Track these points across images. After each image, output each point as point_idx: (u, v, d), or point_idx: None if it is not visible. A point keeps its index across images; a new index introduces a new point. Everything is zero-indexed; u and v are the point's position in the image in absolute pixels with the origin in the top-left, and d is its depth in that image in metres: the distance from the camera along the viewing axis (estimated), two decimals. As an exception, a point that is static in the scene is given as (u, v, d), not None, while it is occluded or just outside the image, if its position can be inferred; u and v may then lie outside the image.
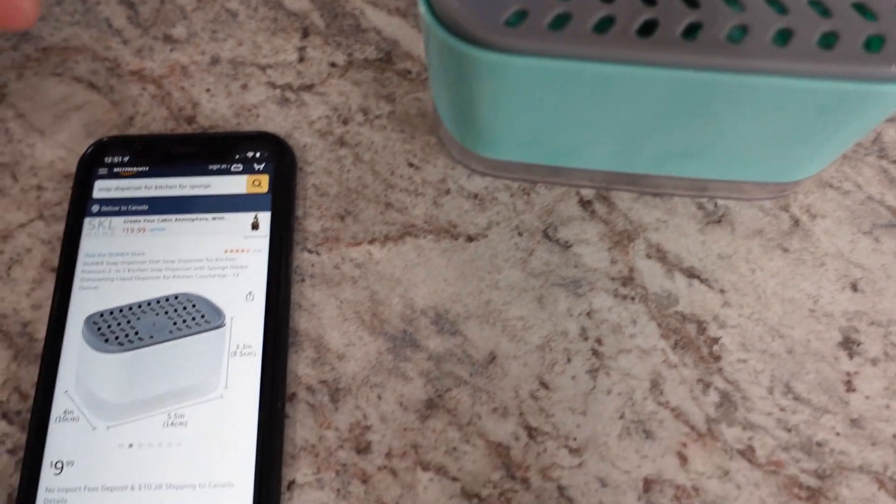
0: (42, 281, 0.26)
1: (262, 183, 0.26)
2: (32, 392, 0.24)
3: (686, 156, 0.24)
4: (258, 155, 0.27)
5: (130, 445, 0.22)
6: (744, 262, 0.27)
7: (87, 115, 0.29)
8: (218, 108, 0.29)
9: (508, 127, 0.23)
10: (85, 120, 0.29)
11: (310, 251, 0.26)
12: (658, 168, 0.25)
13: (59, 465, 0.22)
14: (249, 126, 0.28)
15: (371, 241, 0.27)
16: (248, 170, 0.26)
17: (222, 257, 0.25)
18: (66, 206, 0.27)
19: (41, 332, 0.25)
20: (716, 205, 0.27)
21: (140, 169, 0.26)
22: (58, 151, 0.28)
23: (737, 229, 0.27)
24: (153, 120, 0.29)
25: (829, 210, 0.27)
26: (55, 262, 0.26)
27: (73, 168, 0.27)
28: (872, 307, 0.26)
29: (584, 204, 0.27)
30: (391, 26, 0.30)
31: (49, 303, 0.25)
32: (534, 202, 0.27)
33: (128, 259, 0.25)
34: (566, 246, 0.27)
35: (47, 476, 0.22)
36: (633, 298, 0.26)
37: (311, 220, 0.27)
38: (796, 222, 0.27)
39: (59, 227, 0.26)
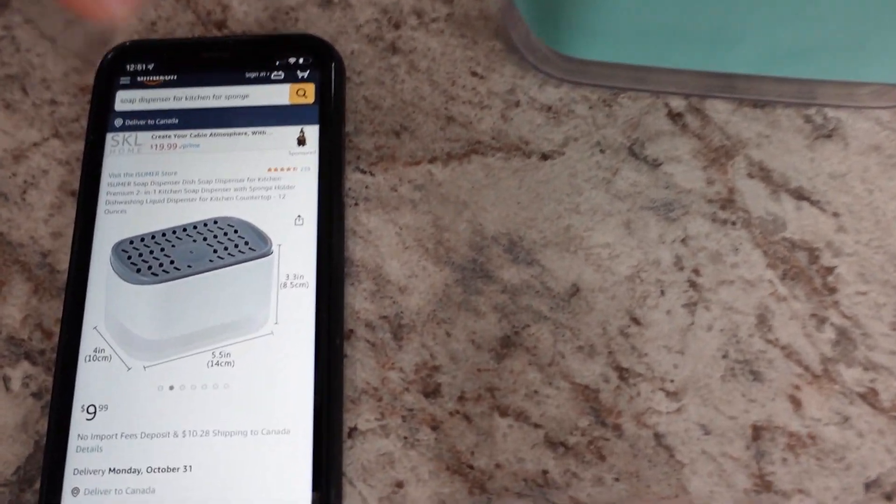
0: (62, 206, 0.23)
1: (307, 93, 0.23)
2: (57, 329, 0.21)
3: (794, 50, 0.20)
4: (302, 61, 0.23)
5: (171, 388, 0.20)
6: (859, 182, 0.23)
7: (105, 21, 0.25)
8: (251, 11, 0.25)
9: (605, 7, 0.19)
10: (101, 26, 0.25)
11: (363, 171, 0.23)
12: (760, 67, 0.22)
13: (91, 410, 0.20)
14: (285, 23, 0.25)
15: (431, 160, 0.23)
16: (290, 78, 0.23)
17: (265, 177, 0.22)
18: (84, 122, 0.23)
19: (63, 262, 0.22)
20: (825, 117, 0.24)
21: (167, 77, 0.23)
22: (72, 61, 0.25)
23: (850, 145, 0.23)
24: (177, 25, 0.25)
25: (955, 123, 0.24)
26: (75, 184, 0.23)
27: (89, 80, 0.24)
28: None
29: (674, 117, 0.24)
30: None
31: (70, 230, 0.22)
32: (616, 115, 0.24)
33: (158, 179, 0.22)
34: (655, 164, 0.23)
35: (78, 422, 0.19)
36: (733, 223, 0.23)
37: (363, 137, 0.23)
38: (919, 137, 0.24)
39: (78, 147, 0.23)
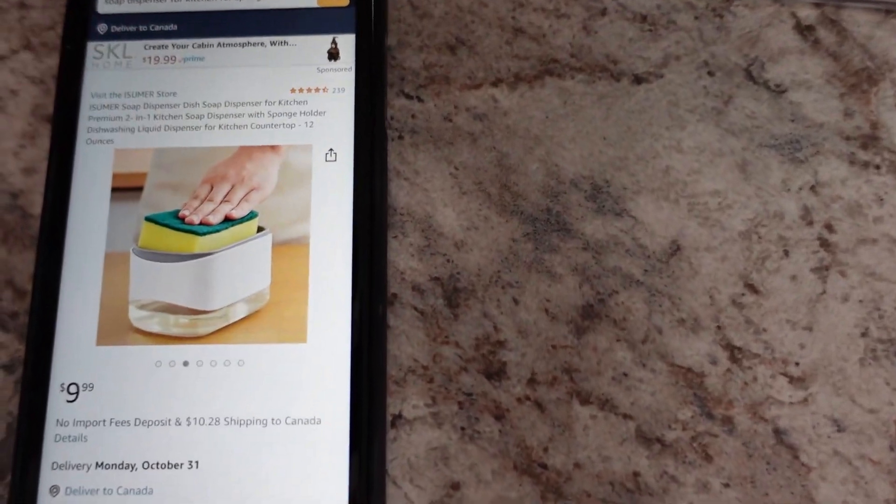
0: (35, 136, 0.18)
1: (339, -7, 0.18)
2: (30, 288, 0.17)
3: None
4: (331, -48, 0.18)
5: (171, 363, 0.16)
6: None
7: None
8: None
9: None
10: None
11: (409, 96, 0.18)
12: None
13: (72, 389, 0.16)
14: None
15: (495, 83, 0.18)
16: (318, -27, 0.18)
17: (288, 99, 0.17)
18: (60, 29, 0.19)
19: (37, 205, 0.18)
20: None
21: (163, -28, 0.18)
22: (46, -45, 0.20)
23: None
24: (177, -90, 0.20)
25: None
26: (51, 108, 0.18)
27: (68, -22, 0.19)
28: None
29: (804, 30, 0.19)
30: None
31: (45, 165, 0.17)
32: (729, 27, 0.19)
33: (153, 101, 0.17)
34: (779, 91, 0.18)
35: (57, 403, 0.15)
36: (877, 167, 0.18)
37: (410, 53, 0.19)
38: None
39: (54, 61, 0.19)
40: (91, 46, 0.18)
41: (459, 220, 0.18)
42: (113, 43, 0.18)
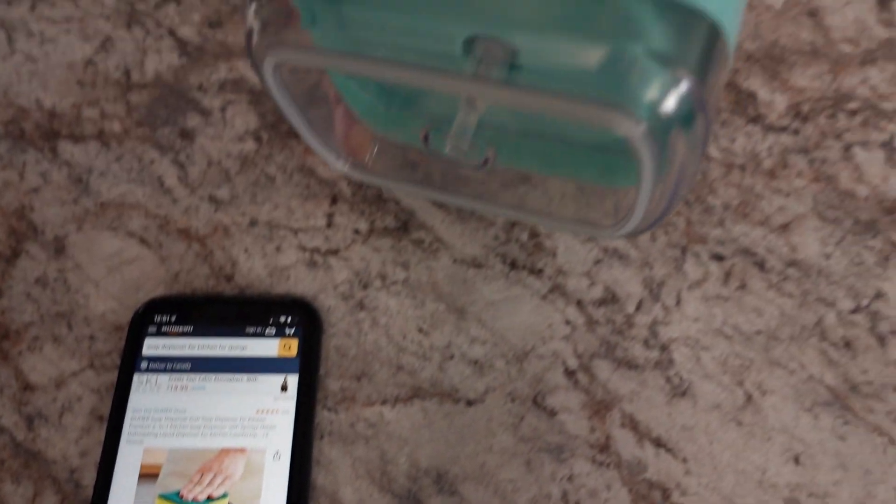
0: (90, 429, 0.28)
1: (291, 347, 0.29)
2: (78, 537, 0.26)
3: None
4: (290, 319, 0.29)
5: None
6: (703, 434, 0.30)
7: (137, 269, 0.31)
8: (254, 269, 0.32)
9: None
10: (136, 274, 0.31)
11: (329, 409, 0.29)
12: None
13: None
14: (281, 286, 0.31)
15: (383, 402, 0.29)
16: (280, 333, 0.29)
17: (254, 417, 0.27)
18: (114, 356, 0.29)
19: (87, 478, 0.27)
20: (681, 379, 0.31)
21: (185, 328, 0.29)
22: (110, 303, 0.30)
23: (698, 402, 0.30)
24: (196, 277, 0.31)
25: (777, 387, 0.31)
26: (103, 410, 0.28)
27: (122, 320, 0.30)
28: (811, 480, 0.29)
29: (569, 374, 0.30)
30: (409, 196, 0.34)
31: (96, 450, 0.27)
32: (525, 370, 0.30)
33: (171, 415, 0.27)
34: (552, 413, 0.30)
35: None
36: (608, 465, 0.29)
37: (332, 380, 0.30)
38: (749, 398, 0.30)
39: (108, 377, 0.29)
40: (136, 376, 0.28)
41: (354, 496, 0.27)
42: (150, 375, 0.28)
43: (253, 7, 0.19)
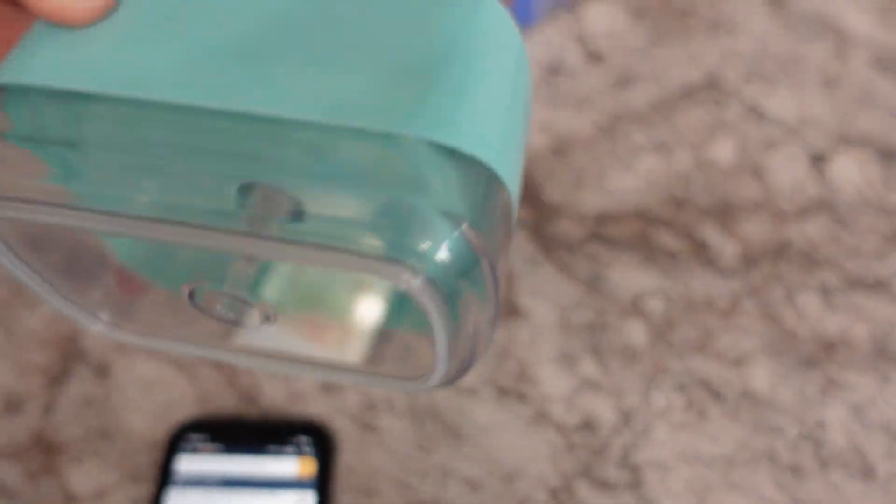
0: (126, 539, 0.31)
1: (309, 465, 0.33)
2: None
3: None
4: (308, 440, 0.33)
5: None
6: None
7: (172, 390, 0.35)
8: (276, 392, 0.36)
9: None
10: (171, 394, 0.35)
11: (339, 523, 0.32)
12: None
13: None
14: (297, 407, 0.35)
15: (387, 517, 0.33)
16: (299, 452, 0.33)
17: (274, 530, 0.31)
18: (150, 469, 0.33)
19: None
20: (649, 500, 0.35)
21: (217, 446, 0.33)
22: (147, 421, 0.34)
23: (666, 520, 0.34)
24: (224, 399, 0.35)
25: (735, 507, 0.35)
26: (138, 521, 0.31)
27: (158, 435, 0.34)
28: None
29: (553, 493, 0.34)
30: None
31: (130, 559, 0.30)
32: (515, 489, 0.34)
33: (199, 528, 0.31)
34: (537, 529, 0.33)
35: None
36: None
37: (343, 494, 0.33)
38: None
39: (145, 488, 0.32)
40: (171, 490, 0.31)
41: None
42: (183, 488, 0.32)
43: None
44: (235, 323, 0.20)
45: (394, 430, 0.35)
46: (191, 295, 0.19)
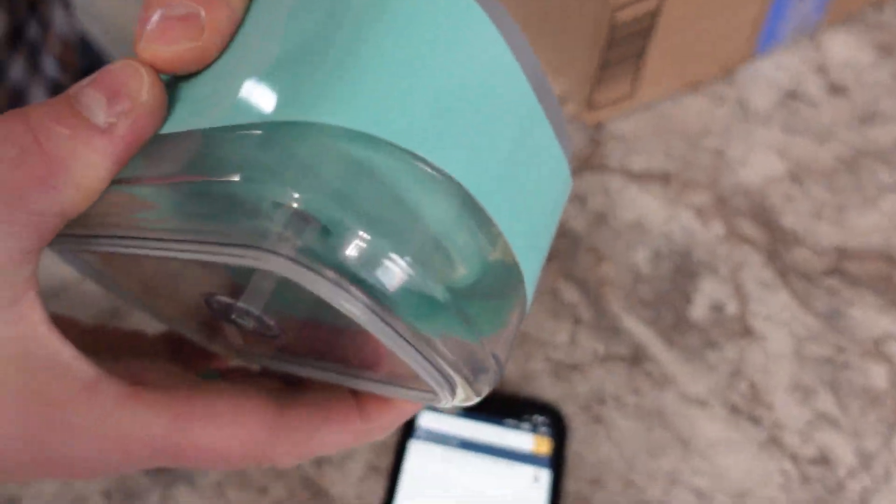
0: (366, 478, 0.33)
1: (544, 446, 0.33)
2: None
3: None
4: (544, 420, 0.34)
5: None
6: None
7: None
8: (510, 373, 0.37)
9: None
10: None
11: (568, 507, 0.33)
12: None
13: None
14: (529, 388, 0.36)
15: (614, 511, 0.33)
16: (535, 431, 0.34)
17: (509, 499, 0.32)
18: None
19: (366, 522, 0.32)
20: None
21: (457, 409, 0.34)
22: None
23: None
24: (459, 365, 0.37)
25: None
26: (377, 464, 0.33)
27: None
28: None
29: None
30: (641, 334, 0.39)
31: (370, 496, 0.32)
32: (742, 510, 0.33)
33: (439, 483, 0.32)
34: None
35: None
36: None
37: (569, 481, 0.34)
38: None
39: (387, 438, 0.34)
40: (413, 443, 0.33)
41: (587, 591, 0.31)
42: (425, 444, 0.33)
43: None
44: (255, 335, 0.20)
45: (622, 428, 0.35)
46: (206, 303, 0.20)
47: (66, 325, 0.21)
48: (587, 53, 0.42)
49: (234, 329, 0.21)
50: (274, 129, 0.14)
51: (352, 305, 0.14)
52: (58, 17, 0.45)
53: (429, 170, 0.14)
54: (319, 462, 0.34)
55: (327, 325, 0.18)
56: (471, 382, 0.16)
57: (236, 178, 0.14)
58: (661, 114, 0.48)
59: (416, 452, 0.33)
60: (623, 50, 0.42)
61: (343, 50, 0.14)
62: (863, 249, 0.41)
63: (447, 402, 0.17)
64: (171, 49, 0.16)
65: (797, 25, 0.50)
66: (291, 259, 0.13)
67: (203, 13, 0.16)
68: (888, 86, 0.48)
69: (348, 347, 0.19)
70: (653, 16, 0.40)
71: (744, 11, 0.46)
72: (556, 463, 0.33)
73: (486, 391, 0.17)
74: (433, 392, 0.17)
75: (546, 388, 0.36)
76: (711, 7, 0.44)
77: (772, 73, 0.50)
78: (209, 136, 0.15)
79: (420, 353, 0.15)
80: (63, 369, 0.17)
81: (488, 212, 0.15)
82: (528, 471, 0.33)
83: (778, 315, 0.39)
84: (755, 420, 0.36)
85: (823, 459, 0.34)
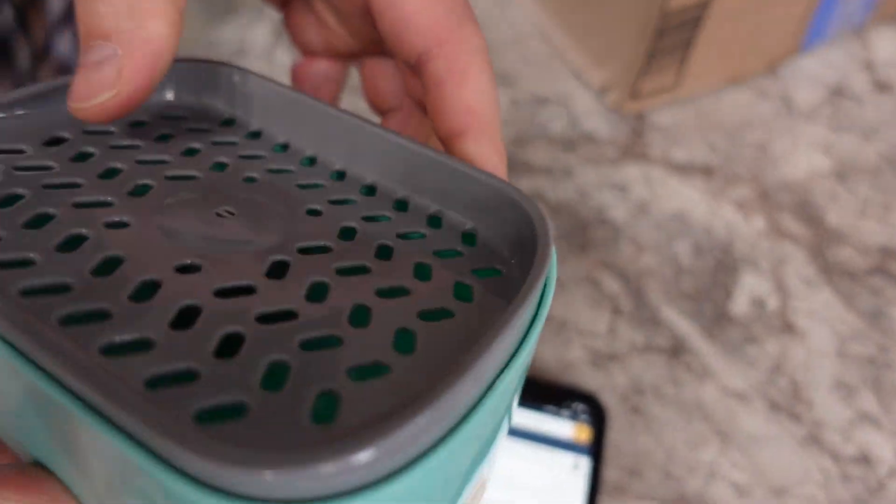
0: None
1: (584, 434, 0.33)
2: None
3: None
4: (584, 409, 0.34)
5: None
6: None
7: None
8: (549, 361, 0.37)
9: None
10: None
11: (604, 493, 0.33)
12: None
13: None
14: (567, 372, 0.36)
15: (652, 499, 0.33)
16: (575, 419, 0.34)
17: (549, 485, 0.32)
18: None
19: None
20: (929, 552, 0.32)
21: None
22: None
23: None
24: (498, 351, 0.37)
25: None
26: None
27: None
28: None
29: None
30: (682, 327, 0.38)
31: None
32: (781, 505, 0.33)
33: (482, 466, 0.32)
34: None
35: None
36: None
37: (609, 468, 0.34)
38: None
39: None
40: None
41: (625, 579, 0.31)
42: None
43: None
44: None
45: (661, 419, 0.35)
46: None
47: None
48: (636, 41, 0.41)
49: None
50: None
51: None
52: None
53: None
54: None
55: None
56: None
57: None
58: (702, 108, 0.48)
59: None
60: (672, 39, 0.41)
61: None
62: (908, 250, 0.41)
63: None
64: (91, 103, 0.15)
65: (844, 22, 0.50)
66: None
67: (119, 51, 0.15)
68: (936, 85, 0.47)
69: None
70: (704, 6, 0.40)
71: (793, 6, 0.45)
72: (596, 451, 0.33)
73: None
74: None
75: (585, 377, 0.36)
76: (761, 0, 0.43)
77: (817, 69, 0.49)
78: None
79: None
80: None
81: None
82: (567, 458, 0.33)
83: (820, 312, 0.39)
84: (795, 417, 0.35)
85: (864, 458, 0.34)
